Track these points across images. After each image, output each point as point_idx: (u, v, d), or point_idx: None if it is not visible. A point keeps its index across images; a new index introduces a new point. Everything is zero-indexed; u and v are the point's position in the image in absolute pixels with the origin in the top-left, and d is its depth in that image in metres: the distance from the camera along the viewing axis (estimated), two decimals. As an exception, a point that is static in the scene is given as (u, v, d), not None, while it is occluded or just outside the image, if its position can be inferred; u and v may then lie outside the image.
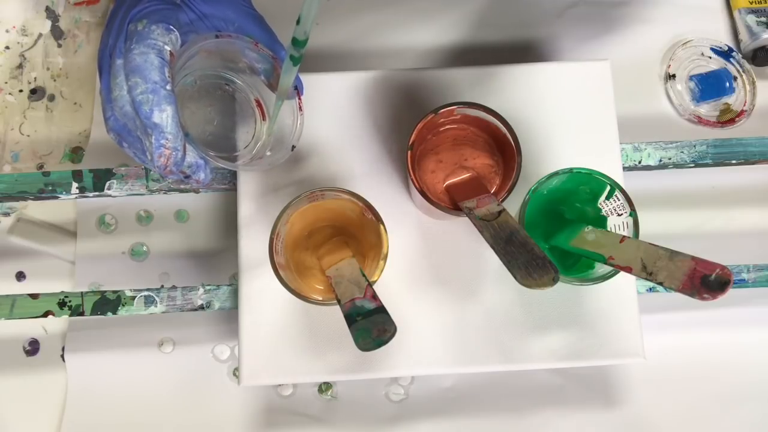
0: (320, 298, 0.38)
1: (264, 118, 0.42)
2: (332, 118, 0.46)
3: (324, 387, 0.51)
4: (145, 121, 0.33)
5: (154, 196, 0.50)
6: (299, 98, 0.40)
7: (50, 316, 0.46)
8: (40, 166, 0.54)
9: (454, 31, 0.56)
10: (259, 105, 0.42)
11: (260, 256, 0.45)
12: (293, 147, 0.40)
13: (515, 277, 0.33)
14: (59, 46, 0.56)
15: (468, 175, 0.42)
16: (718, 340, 0.52)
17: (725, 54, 0.55)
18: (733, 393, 0.51)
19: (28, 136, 0.54)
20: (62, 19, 0.56)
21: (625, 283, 0.45)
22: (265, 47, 0.39)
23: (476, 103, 0.39)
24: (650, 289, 0.47)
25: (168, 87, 0.33)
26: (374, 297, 0.34)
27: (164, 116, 0.33)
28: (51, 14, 0.56)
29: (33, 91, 0.55)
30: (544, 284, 0.33)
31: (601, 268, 0.39)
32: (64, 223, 0.53)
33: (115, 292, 0.46)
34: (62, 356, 0.51)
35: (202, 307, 0.46)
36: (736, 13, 0.56)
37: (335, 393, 0.51)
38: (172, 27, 0.35)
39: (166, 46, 0.34)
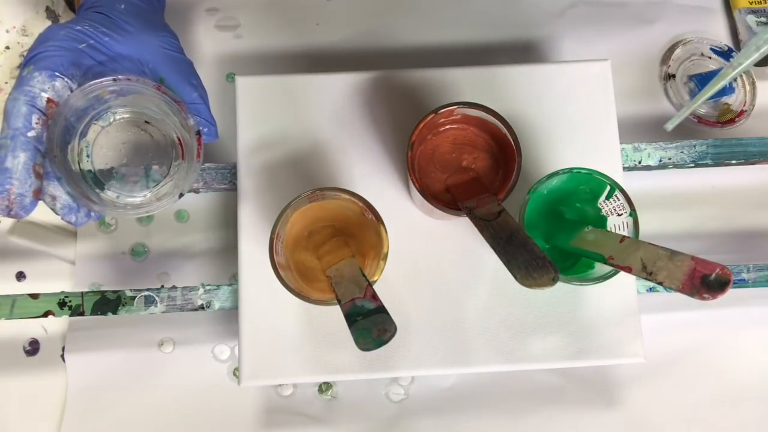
0: (320, 298, 0.38)
1: (184, 158, 0.41)
2: (332, 118, 0.46)
3: (324, 387, 0.51)
4: None
5: (154, 196, 0.50)
6: (199, 143, 0.39)
7: (50, 316, 0.46)
8: (40, 166, 0.54)
9: (454, 31, 0.56)
10: (181, 144, 0.41)
11: (260, 256, 0.45)
12: (181, 194, 0.39)
13: (515, 277, 0.33)
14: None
15: (468, 175, 0.42)
16: (718, 340, 0.52)
17: (725, 54, 0.55)
18: (733, 393, 0.51)
19: (28, 136, 0.54)
20: (62, 20, 0.56)
21: (625, 283, 0.45)
22: (170, 90, 0.39)
23: (476, 103, 0.39)
24: (650, 289, 0.47)
25: (30, 134, 0.35)
26: (374, 297, 0.34)
27: (16, 162, 0.35)
28: (51, 14, 0.56)
29: (33, 92, 0.55)
30: (544, 284, 0.33)
31: (601, 268, 0.39)
32: (64, 224, 0.53)
33: (115, 292, 0.46)
34: (62, 356, 0.51)
35: (202, 307, 0.46)
36: (736, 13, 0.56)
37: (335, 393, 0.51)
38: (58, 74, 0.36)
39: (43, 93, 0.36)
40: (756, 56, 0.44)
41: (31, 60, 0.37)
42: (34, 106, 0.36)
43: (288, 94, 0.47)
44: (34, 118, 0.36)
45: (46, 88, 0.36)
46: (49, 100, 0.36)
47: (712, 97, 0.54)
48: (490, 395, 0.51)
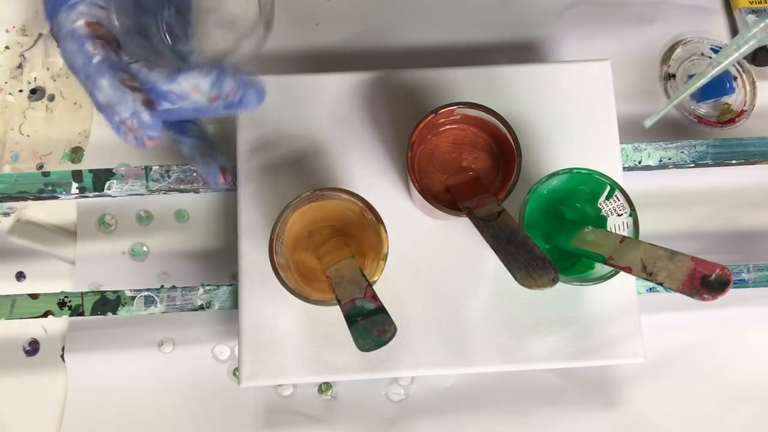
0: (320, 299, 0.38)
1: None
2: (332, 118, 0.46)
3: (324, 387, 0.51)
4: (97, 107, 0.32)
5: (154, 196, 0.50)
6: None
7: (50, 316, 0.46)
8: (40, 166, 0.54)
9: (454, 31, 0.56)
10: None
11: (260, 256, 0.45)
12: (267, 24, 0.33)
13: (515, 278, 0.33)
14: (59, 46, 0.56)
15: (468, 175, 0.42)
16: (718, 339, 0.52)
17: (725, 54, 0.55)
18: (733, 393, 0.51)
19: (28, 136, 0.54)
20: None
21: (625, 283, 0.45)
22: None
23: (476, 104, 0.39)
24: (650, 289, 0.47)
25: (95, 60, 0.32)
26: (374, 297, 0.34)
27: (105, 92, 0.31)
28: (51, 14, 0.56)
29: (33, 91, 0.55)
30: (544, 284, 0.33)
31: (601, 268, 0.39)
32: (64, 224, 0.53)
33: (115, 292, 0.46)
34: (62, 356, 0.51)
35: (202, 307, 0.46)
36: (736, 13, 0.56)
37: (335, 393, 0.51)
38: (74, 1, 0.32)
39: (78, 23, 0.32)
40: (736, 55, 0.45)
41: (49, 16, 0.34)
42: (80, 37, 0.32)
43: (288, 94, 0.47)
44: (89, 46, 0.32)
45: (76, 17, 0.32)
46: (88, 24, 0.32)
47: (709, 98, 0.54)
48: (490, 395, 0.51)
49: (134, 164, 0.50)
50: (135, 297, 0.46)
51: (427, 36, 0.55)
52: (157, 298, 0.46)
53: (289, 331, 0.44)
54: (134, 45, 0.32)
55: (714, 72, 0.46)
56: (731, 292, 0.31)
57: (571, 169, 0.39)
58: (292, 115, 0.46)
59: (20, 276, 0.52)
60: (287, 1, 0.56)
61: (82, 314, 0.46)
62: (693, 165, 0.49)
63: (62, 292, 0.46)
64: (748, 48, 0.45)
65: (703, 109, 0.55)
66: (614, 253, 0.36)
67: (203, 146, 0.36)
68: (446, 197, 0.41)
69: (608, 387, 0.51)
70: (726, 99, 0.55)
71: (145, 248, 0.52)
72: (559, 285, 0.33)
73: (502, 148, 0.42)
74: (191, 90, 0.32)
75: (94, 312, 0.46)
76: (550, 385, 0.51)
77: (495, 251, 0.35)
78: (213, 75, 0.32)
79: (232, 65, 0.32)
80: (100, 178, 0.47)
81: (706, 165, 0.49)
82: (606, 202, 0.41)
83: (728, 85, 0.55)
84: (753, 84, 0.55)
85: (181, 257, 0.52)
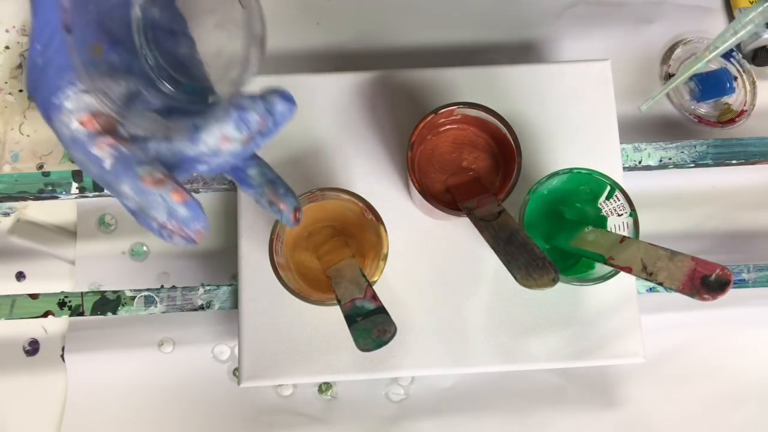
0: (320, 299, 0.38)
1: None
2: (332, 118, 0.46)
3: (324, 387, 0.51)
4: (131, 213, 0.28)
5: (154, 196, 0.50)
6: None
7: (50, 316, 0.46)
8: (40, 166, 0.54)
9: (454, 31, 0.56)
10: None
11: (260, 256, 0.45)
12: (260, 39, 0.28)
13: (515, 278, 0.33)
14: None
15: (468, 175, 0.42)
16: (719, 339, 0.52)
17: (725, 54, 0.55)
18: (733, 393, 0.51)
19: (28, 136, 0.54)
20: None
21: (625, 283, 0.45)
22: None
23: (476, 103, 0.39)
24: (650, 289, 0.47)
25: (106, 165, 0.27)
26: (374, 297, 0.34)
27: (130, 199, 0.27)
28: (51, 14, 0.56)
29: (33, 92, 0.55)
30: (544, 285, 0.33)
31: (601, 268, 0.39)
32: (64, 224, 0.53)
33: (115, 292, 0.46)
34: (62, 356, 0.51)
35: (202, 307, 0.46)
36: (736, 13, 0.55)
37: (335, 393, 0.51)
38: (60, 100, 0.27)
39: (72, 125, 0.27)
40: (733, 40, 0.46)
41: (44, 117, 0.28)
42: (80, 143, 0.27)
43: (288, 94, 0.47)
44: (95, 150, 0.27)
45: (65, 120, 0.27)
46: (83, 123, 0.27)
47: (709, 97, 0.54)
48: (490, 395, 0.51)
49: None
50: (135, 297, 0.46)
51: (427, 36, 0.55)
52: (157, 298, 0.46)
53: (289, 331, 0.44)
54: (137, 118, 0.28)
55: (711, 56, 0.47)
56: (731, 292, 0.31)
57: (571, 169, 0.39)
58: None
59: (20, 276, 0.52)
60: (287, 1, 0.56)
61: (82, 314, 0.46)
62: (693, 165, 0.49)
63: (62, 292, 0.46)
64: (745, 33, 0.45)
65: (703, 109, 0.55)
66: (614, 253, 0.36)
67: (269, 192, 0.32)
68: (446, 197, 0.41)
69: (608, 387, 0.51)
70: (726, 99, 0.55)
71: (145, 248, 0.52)
72: (559, 285, 0.33)
73: (502, 148, 0.42)
74: (220, 142, 0.27)
75: (94, 312, 0.46)
76: (550, 385, 0.51)
77: (495, 251, 0.35)
78: (234, 116, 0.28)
79: (246, 94, 0.28)
80: (100, 178, 0.47)
81: (706, 165, 0.49)
82: (606, 202, 0.41)
83: (728, 85, 0.55)
84: (753, 84, 0.55)
85: (181, 257, 0.52)
